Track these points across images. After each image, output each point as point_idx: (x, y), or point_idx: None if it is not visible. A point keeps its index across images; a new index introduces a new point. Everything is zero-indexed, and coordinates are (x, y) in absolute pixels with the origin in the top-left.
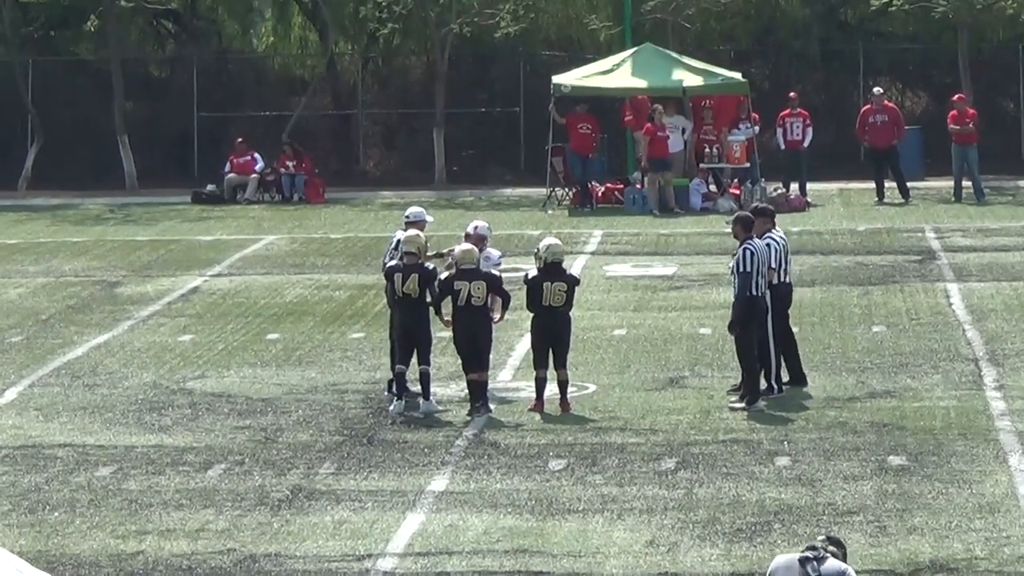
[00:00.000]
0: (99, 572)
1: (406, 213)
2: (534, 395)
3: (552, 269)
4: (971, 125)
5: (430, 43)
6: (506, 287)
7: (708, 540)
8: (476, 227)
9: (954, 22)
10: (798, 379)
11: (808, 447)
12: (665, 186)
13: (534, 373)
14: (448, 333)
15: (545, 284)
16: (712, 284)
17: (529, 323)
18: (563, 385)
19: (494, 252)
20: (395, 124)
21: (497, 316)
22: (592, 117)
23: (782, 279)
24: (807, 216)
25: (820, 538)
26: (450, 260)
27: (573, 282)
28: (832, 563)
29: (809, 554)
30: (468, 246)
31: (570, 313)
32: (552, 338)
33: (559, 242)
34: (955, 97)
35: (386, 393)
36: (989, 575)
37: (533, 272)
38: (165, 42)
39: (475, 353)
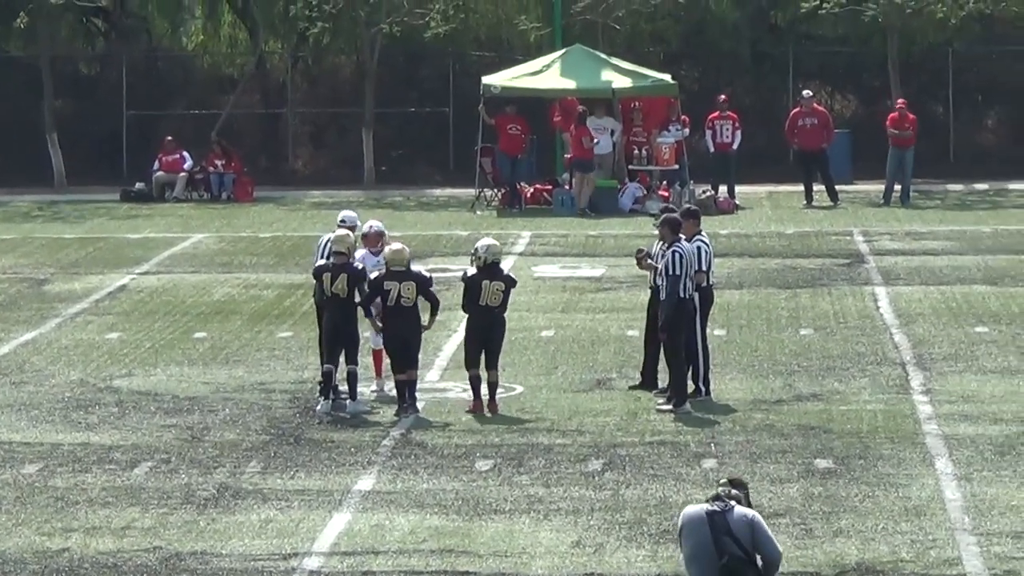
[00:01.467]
0: (24, 569)
1: (340, 217)
2: (471, 396)
3: (490, 269)
4: (910, 131)
5: (360, 42)
6: (434, 288)
7: (634, 541)
8: (371, 226)
9: (884, 25)
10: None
11: (735, 449)
12: (585, 187)
13: (467, 373)
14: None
15: (484, 283)
16: (640, 286)
17: (457, 324)
18: (492, 387)
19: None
20: (324, 123)
21: (426, 320)
22: (521, 118)
23: (709, 282)
24: (735, 219)
25: (723, 482)
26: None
27: (510, 283)
28: (738, 512)
29: (717, 506)
30: (398, 246)
31: (505, 315)
32: (486, 339)
33: (497, 243)
34: (898, 102)
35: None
36: None
37: (472, 271)
38: (95, 39)
39: (404, 353)
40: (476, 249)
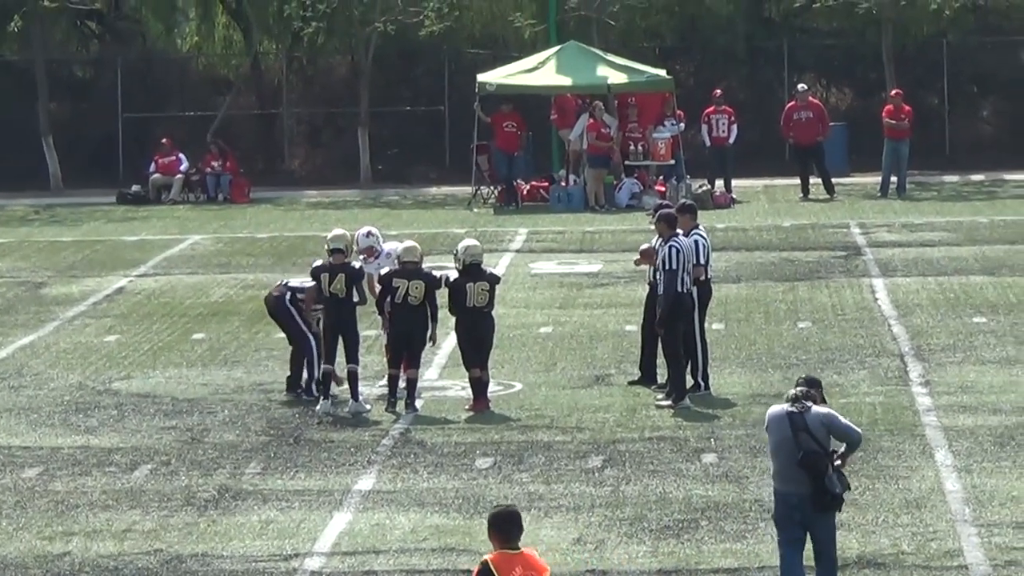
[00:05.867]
0: (26, 574)
1: None
2: (471, 395)
3: (472, 270)
4: (906, 121)
5: (354, 41)
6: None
7: (635, 537)
8: (358, 236)
9: (878, 18)
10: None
11: (734, 444)
12: (594, 182)
13: (467, 374)
14: (372, 332)
15: (468, 285)
16: (638, 281)
17: (454, 322)
18: (484, 385)
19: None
20: (320, 123)
21: (430, 332)
22: (517, 115)
23: (708, 276)
24: (732, 212)
25: (800, 386)
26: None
27: (494, 280)
28: (815, 412)
29: (796, 408)
30: (410, 243)
31: (493, 313)
32: (478, 339)
33: (477, 243)
34: (892, 92)
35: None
36: (916, 570)
37: (453, 275)
38: (89, 43)
39: (407, 351)
40: (456, 251)
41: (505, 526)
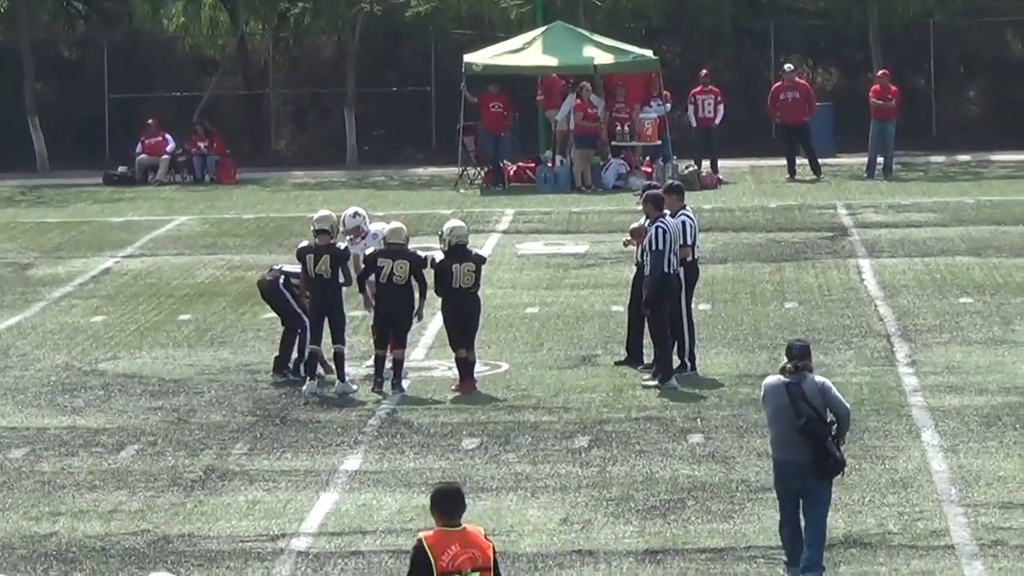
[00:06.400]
0: (12, 554)
1: None
2: (457, 376)
3: (458, 251)
4: (893, 101)
5: (341, 22)
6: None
7: (622, 517)
8: (345, 217)
9: None
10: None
11: (721, 424)
12: (580, 162)
13: (454, 355)
14: (358, 312)
15: (454, 266)
16: (624, 262)
17: (440, 303)
18: (470, 365)
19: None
20: (306, 104)
21: (416, 308)
22: (504, 96)
23: (695, 256)
24: (719, 193)
25: (795, 352)
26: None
27: (480, 261)
28: (810, 380)
29: (792, 378)
30: (397, 224)
31: (479, 294)
32: (464, 320)
33: (463, 224)
34: (879, 72)
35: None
36: (902, 549)
37: (439, 256)
38: (75, 23)
39: (393, 331)
40: (442, 232)
41: (447, 503)
